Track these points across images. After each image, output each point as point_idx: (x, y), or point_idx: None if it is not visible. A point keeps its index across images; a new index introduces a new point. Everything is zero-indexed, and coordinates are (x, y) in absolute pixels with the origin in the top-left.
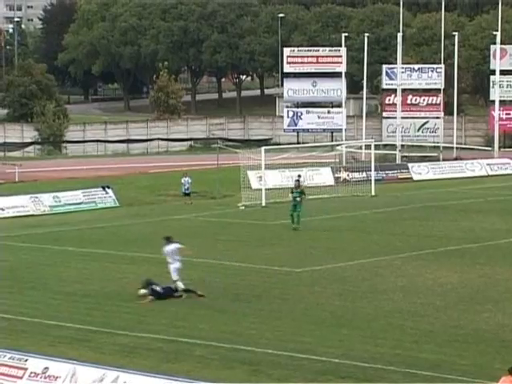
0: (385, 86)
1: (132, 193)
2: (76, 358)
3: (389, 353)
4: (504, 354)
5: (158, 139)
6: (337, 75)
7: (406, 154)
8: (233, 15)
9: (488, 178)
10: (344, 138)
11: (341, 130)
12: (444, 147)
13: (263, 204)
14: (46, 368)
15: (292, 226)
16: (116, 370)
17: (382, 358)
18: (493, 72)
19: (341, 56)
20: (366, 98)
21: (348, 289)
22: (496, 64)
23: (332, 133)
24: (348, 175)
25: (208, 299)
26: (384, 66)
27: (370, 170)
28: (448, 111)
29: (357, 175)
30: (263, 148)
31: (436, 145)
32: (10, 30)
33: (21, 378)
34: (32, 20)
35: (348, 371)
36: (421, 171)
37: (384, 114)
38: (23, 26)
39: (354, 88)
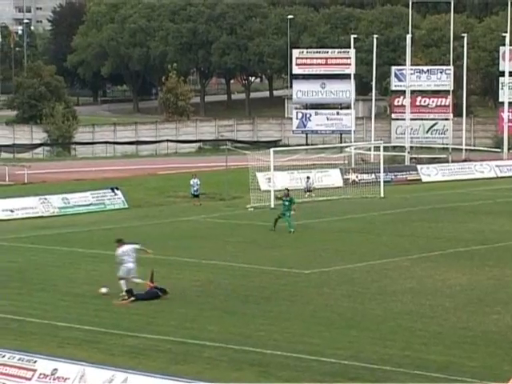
0: (394, 88)
1: (141, 194)
2: (85, 360)
3: (398, 354)
4: None
5: (167, 141)
6: (346, 77)
7: (415, 156)
8: (242, 17)
9: (497, 180)
10: (353, 140)
11: (350, 131)
12: (453, 149)
13: (272, 206)
14: (55, 369)
15: (288, 229)
16: (125, 372)
17: (391, 359)
18: (502, 73)
19: (350, 57)
20: (375, 100)
21: (357, 290)
22: (505, 65)
23: (341, 134)
24: (357, 177)
25: (217, 301)
26: (393, 68)
27: (379, 172)
28: (457, 113)
29: (366, 177)
30: (272, 149)
31: (445, 146)
32: (20, 32)
33: (30, 379)
34: (41, 22)
35: (357, 373)
36: (430, 173)
37: (393, 116)
38: (32, 28)
39: (362, 89)
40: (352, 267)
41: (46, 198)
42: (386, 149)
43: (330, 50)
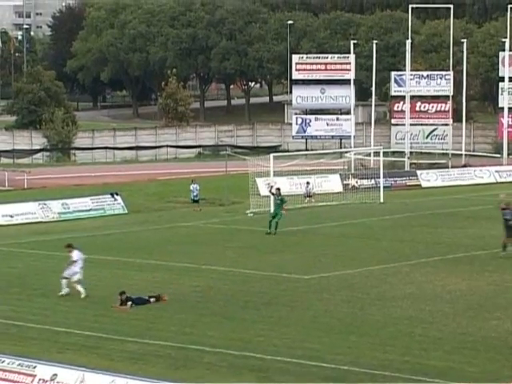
0: (393, 93)
1: (140, 200)
2: (85, 365)
3: (397, 360)
4: None
5: (167, 146)
6: (345, 82)
7: (415, 161)
8: (241, 22)
9: (497, 185)
10: (352, 145)
11: (349, 136)
12: (453, 154)
13: (272, 211)
14: (55, 375)
15: (267, 230)
16: (125, 377)
17: (391, 364)
18: (502, 79)
19: (349, 63)
20: (375, 105)
21: (356, 296)
22: (505, 71)
23: (341, 140)
24: (356, 182)
25: (217, 306)
26: (393, 73)
27: (379, 177)
28: (457, 118)
29: (365, 182)
30: (272, 155)
31: (445, 152)
32: (19, 37)
33: None
34: (41, 27)
35: (357, 378)
36: (429, 178)
37: (393, 121)
38: (32, 33)
39: (362, 95)
40: (352, 272)
41: (45, 204)
42: (385, 154)
43: (329, 56)
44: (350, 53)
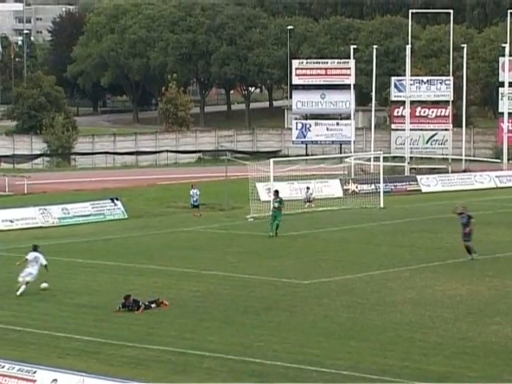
0: (393, 98)
1: (141, 205)
2: (85, 370)
3: (397, 365)
4: None
5: (167, 151)
6: (345, 87)
7: (415, 166)
8: (241, 27)
9: (497, 190)
10: (353, 150)
11: (349, 141)
12: (453, 159)
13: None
14: (55, 380)
15: (269, 233)
16: (125, 382)
17: (391, 370)
18: (501, 84)
19: (349, 68)
20: (375, 110)
21: (357, 301)
22: (505, 76)
23: (341, 145)
24: (357, 187)
25: (217, 311)
26: (393, 78)
27: (379, 182)
28: (457, 123)
29: (365, 187)
30: (272, 160)
31: (445, 157)
32: (20, 42)
33: None
34: (41, 32)
35: (357, 383)
36: (429, 183)
37: (393, 126)
38: (32, 38)
39: (362, 100)
40: (352, 277)
41: (45, 209)
42: (385, 159)
43: (329, 61)
44: (350, 58)
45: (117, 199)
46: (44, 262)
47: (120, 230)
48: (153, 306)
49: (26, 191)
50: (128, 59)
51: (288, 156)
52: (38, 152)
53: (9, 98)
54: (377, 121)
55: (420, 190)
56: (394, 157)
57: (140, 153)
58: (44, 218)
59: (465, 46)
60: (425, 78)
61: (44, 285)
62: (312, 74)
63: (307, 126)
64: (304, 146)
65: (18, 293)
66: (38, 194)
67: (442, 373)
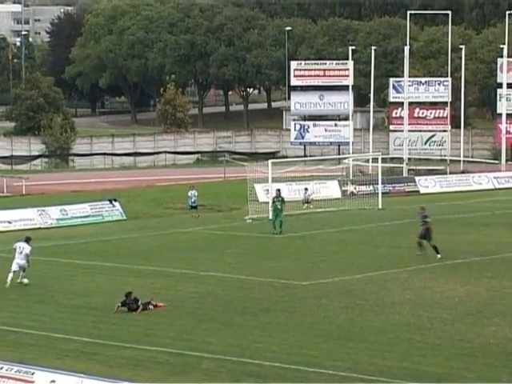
0: (392, 99)
1: (139, 206)
2: (83, 371)
3: (396, 366)
4: (511, 368)
5: (165, 152)
6: (344, 88)
7: (413, 167)
8: (240, 28)
9: (495, 191)
10: (351, 151)
11: (348, 143)
12: (451, 160)
13: (270, 217)
14: (53, 381)
15: (273, 231)
16: (123, 383)
17: (389, 371)
18: (500, 85)
19: (348, 69)
20: (373, 111)
21: (355, 302)
22: (503, 77)
23: (339, 146)
24: (355, 188)
25: (215, 312)
26: (391, 79)
27: (377, 183)
28: (455, 124)
29: (364, 188)
30: (270, 161)
31: (443, 158)
32: (18, 44)
33: None
34: (39, 33)
35: None
36: (428, 184)
37: (391, 127)
38: (30, 40)
39: (361, 101)
40: (350, 279)
41: (44, 210)
42: (384, 160)
43: (328, 62)
44: (348, 59)
45: (115, 200)
46: (27, 252)
47: (118, 231)
48: (150, 307)
49: (24, 192)
50: (126, 60)
51: (286, 157)
52: (37, 153)
53: (7, 99)
54: (375, 122)
55: (418, 191)
56: (393, 158)
57: (138, 154)
58: (42, 219)
59: (463, 47)
60: (423, 79)
61: (25, 280)
62: (310, 75)
63: (305, 127)
64: (302, 147)
65: (7, 285)
66: (36, 195)
67: (441, 374)
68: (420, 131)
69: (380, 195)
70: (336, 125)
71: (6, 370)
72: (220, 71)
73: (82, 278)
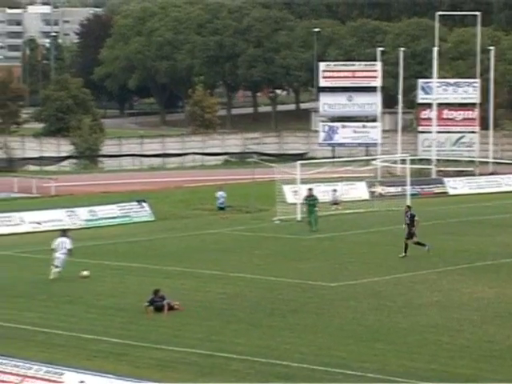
0: (420, 101)
1: (167, 207)
2: (112, 372)
3: (424, 368)
4: None
5: (194, 153)
6: (372, 90)
7: (442, 169)
8: (268, 30)
9: None
10: (379, 153)
11: (376, 144)
12: (480, 162)
13: (298, 218)
14: (82, 382)
15: (312, 229)
16: None
17: (418, 372)
18: None
19: (376, 70)
20: (402, 113)
21: (383, 303)
22: None
23: (367, 147)
24: (383, 190)
25: (244, 314)
26: (419, 81)
27: (406, 185)
28: (484, 126)
29: (392, 190)
30: (298, 162)
31: (472, 159)
32: (47, 45)
33: None
34: (68, 34)
35: None
36: (456, 186)
37: (419, 129)
38: (60, 41)
39: (389, 102)
40: (378, 280)
41: (72, 211)
42: (412, 162)
43: (356, 63)
44: (376, 60)
45: (143, 201)
46: (69, 246)
47: (147, 232)
48: (175, 306)
49: (53, 193)
50: (155, 61)
51: (315, 158)
52: (66, 154)
53: (36, 100)
54: (404, 123)
55: (447, 193)
56: (421, 159)
57: (167, 155)
58: (71, 220)
59: (492, 48)
60: (452, 81)
61: (85, 273)
62: (339, 77)
63: (334, 128)
64: (331, 148)
65: (51, 277)
66: (65, 196)
67: (469, 376)
68: (449, 132)
69: (408, 197)
70: (364, 126)
71: (36, 371)
72: (248, 72)
73: (110, 279)
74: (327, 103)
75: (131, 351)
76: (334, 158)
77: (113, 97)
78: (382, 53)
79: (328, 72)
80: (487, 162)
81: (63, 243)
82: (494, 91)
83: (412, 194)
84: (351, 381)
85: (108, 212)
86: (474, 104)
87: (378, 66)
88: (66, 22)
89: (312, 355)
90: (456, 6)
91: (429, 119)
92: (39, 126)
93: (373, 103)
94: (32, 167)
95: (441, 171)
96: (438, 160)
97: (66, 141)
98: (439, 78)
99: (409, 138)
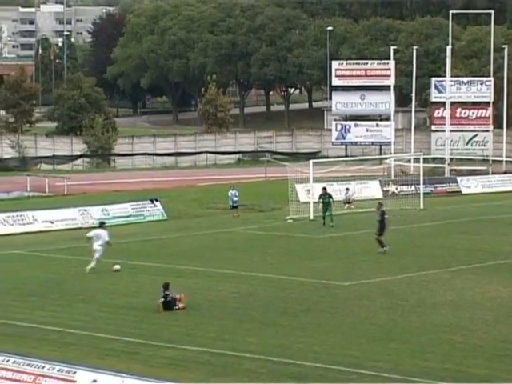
0: (433, 99)
1: (180, 206)
2: (124, 371)
3: (438, 367)
4: None
5: (206, 152)
6: (385, 88)
7: (455, 168)
8: (281, 28)
9: None
10: (392, 151)
11: (389, 143)
12: (493, 161)
13: (311, 217)
14: (95, 380)
15: (331, 224)
16: None
17: (431, 372)
18: None
19: (389, 69)
20: (415, 111)
21: (396, 302)
22: None
23: (380, 146)
24: (396, 188)
25: (256, 313)
26: (433, 79)
27: (419, 184)
28: (497, 124)
29: (405, 188)
30: (311, 161)
31: (485, 158)
32: (60, 44)
33: None
34: (81, 33)
35: None
36: (470, 185)
37: (433, 127)
38: (72, 40)
39: (402, 101)
40: (392, 279)
41: (85, 210)
42: (425, 160)
43: (369, 62)
44: (389, 59)
45: (156, 200)
46: (106, 239)
47: (159, 230)
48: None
49: (66, 192)
50: (168, 60)
51: (327, 157)
52: (78, 153)
53: (49, 99)
54: (417, 122)
55: (460, 192)
56: (434, 158)
57: (179, 154)
58: (84, 218)
59: (506, 46)
60: (465, 79)
61: (116, 266)
62: (352, 75)
63: (347, 127)
64: (343, 147)
65: (88, 268)
66: (77, 194)
67: (483, 375)
68: (462, 131)
69: (422, 195)
70: (377, 125)
71: (48, 370)
72: (261, 71)
73: (123, 278)
74: (340, 102)
75: (143, 350)
76: (346, 156)
77: (125, 95)
78: (395, 51)
79: (341, 71)
80: (500, 161)
81: (101, 235)
82: (508, 90)
83: (425, 193)
84: (365, 380)
85: (121, 211)
86: (487, 102)
87: (391, 64)
88: (79, 20)
89: (325, 354)
90: (469, 4)
91: (442, 118)
92: (52, 125)
93: (386, 102)
94: (45, 166)
95: (454, 170)
96: (451, 159)
97: (78, 140)
98: (452, 76)
99: (422, 137)
